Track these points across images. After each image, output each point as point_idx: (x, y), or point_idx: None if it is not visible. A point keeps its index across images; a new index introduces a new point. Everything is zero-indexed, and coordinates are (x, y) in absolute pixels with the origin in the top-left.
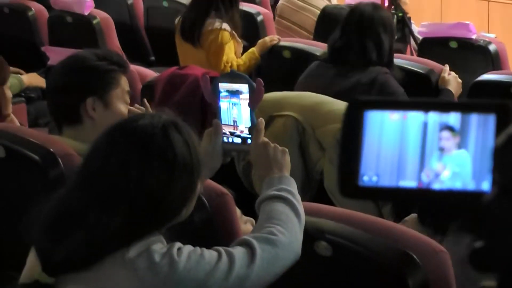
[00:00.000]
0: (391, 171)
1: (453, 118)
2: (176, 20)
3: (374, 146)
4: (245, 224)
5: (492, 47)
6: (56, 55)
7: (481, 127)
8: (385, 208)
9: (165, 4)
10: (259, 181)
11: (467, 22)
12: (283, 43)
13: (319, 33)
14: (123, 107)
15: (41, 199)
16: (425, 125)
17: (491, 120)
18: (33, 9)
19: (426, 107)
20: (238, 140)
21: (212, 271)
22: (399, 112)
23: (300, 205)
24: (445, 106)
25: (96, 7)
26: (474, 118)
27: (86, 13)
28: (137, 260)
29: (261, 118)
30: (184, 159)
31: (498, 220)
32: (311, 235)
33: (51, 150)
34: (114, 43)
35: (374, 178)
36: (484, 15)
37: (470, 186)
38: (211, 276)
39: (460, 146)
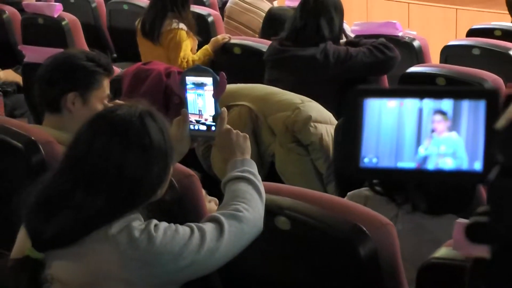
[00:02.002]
0: (389, 153)
1: (446, 104)
2: (137, 22)
3: (374, 131)
4: (209, 203)
5: (416, 43)
6: (32, 53)
7: (472, 112)
8: (330, 186)
9: (125, 7)
10: (223, 164)
11: (395, 21)
12: (234, 41)
13: (266, 32)
14: (100, 107)
15: (24, 183)
16: (420, 111)
17: (481, 105)
18: (7, 12)
19: (421, 95)
20: (203, 128)
21: (186, 244)
22: (396, 99)
23: (261, 184)
24: (439, 93)
25: (64, 10)
26: (466, 104)
27: (55, 16)
28: (119, 235)
29: (224, 107)
30: (159, 144)
31: (499, 197)
32: (271, 211)
33: (33, 138)
34: (81, 42)
35: (374, 160)
36: (404, 15)
37: (464, 166)
38: (185, 249)
39: (453, 129)
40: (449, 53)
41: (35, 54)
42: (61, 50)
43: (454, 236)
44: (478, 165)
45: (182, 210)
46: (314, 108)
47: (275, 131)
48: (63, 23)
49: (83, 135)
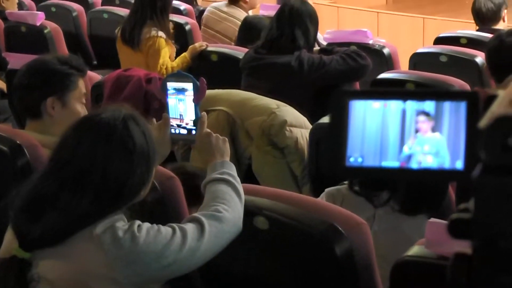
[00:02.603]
0: (374, 153)
1: (428, 105)
2: (117, 29)
3: (359, 131)
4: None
5: (386, 50)
6: (15, 60)
7: (454, 113)
8: (305, 188)
9: (105, 15)
10: (203, 165)
11: (365, 29)
12: (211, 48)
13: (242, 40)
14: (79, 107)
15: (10, 186)
16: (403, 112)
17: (462, 106)
18: None
19: (404, 96)
20: (184, 131)
21: (168, 244)
22: (381, 101)
23: (240, 185)
24: (421, 94)
25: (47, 18)
26: (447, 105)
27: (38, 24)
28: (103, 235)
29: (203, 112)
30: (142, 147)
31: (483, 193)
32: (250, 211)
33: (18, 141)
34: (62, 49)
35: (359, 159)
36: (374, 24)
37: (446, 164)
38: (167, 248)
39: (435, 129)
40: (418, 60)
41: (18, 60)
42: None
43: (426, 235)
44: (459, 164)
45: (163, 210)
46: (289, 113)
47: (252, 134)
48: (46, 31)
49: (68, 138)
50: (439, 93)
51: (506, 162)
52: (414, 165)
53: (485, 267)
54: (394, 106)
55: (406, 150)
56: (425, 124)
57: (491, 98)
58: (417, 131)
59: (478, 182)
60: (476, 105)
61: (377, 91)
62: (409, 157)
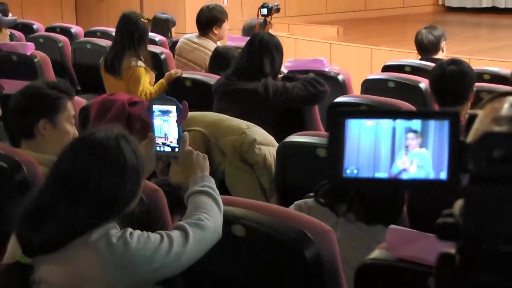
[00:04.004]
0: (368, 165)
1: (415, 123)
2: (101, 59)
3: (354, 146)
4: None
5: (340, 77)
6: (9, 86)
7: (438, 130)
8: (272, 199)
9: (88, 46)
10: (185, 179)
11: (322, 58)
12: (185, 75)
13: (213, 67)
14: (69, 127)
15: (9, 199)
16: (394, 130)
17: (445, 125)
18: None
19: (394, 116)
20: (168, 149)
21: (157, 249)
22: (373, 119)
23: (219, 197)
24: (409, 114)
25: (36, 48)
26: (432, 123)
27: (28, 53)
28: (98, 242)
29: (186, 131)
30: (132, 163)
31: (470, 201)
32: (228, 220)
33: (16, 158)
34: (50, 76)
35: (355, 171)
36: (327, 53)
37: (431, 176)
38: (156, 253)
39: (422, 145)
40: (368, 85)
41: (12, 86)
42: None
43: (387, 240)
44: (443, 175)
45: (150, 219)
46: (258, 133)
47: (225, 152)
48: (35, 60)
49: (66, 155)
50: (425, 113)
51: (491, 172)
52: (403, 176)
53: (469, 266)
54: (385, 124)
55: (399, 164)
56: (413, 141)
57: (473, 117)
58: (406, 147)
59: (467, 191)
60: (457, 123)
61: (370, 111)
62: (400, 171)
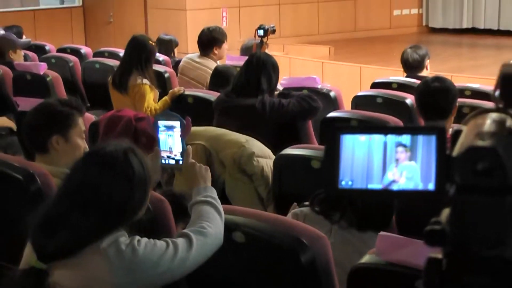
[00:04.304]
0: (361, 177)
1: (405, 138)
2: (109, 78)
3: (349, 159)
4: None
5: (332, 93)
6: (24, 103)
7: (426, 145)
8: (269, 208)
9: (97, 65)
10: (189, 190)
11: (315, 76)
12: (187, 92)
13: (213, 85)
14: (80, 141)
15: (23, 209)
16: (385, 144)
17: (433, 139)
18: (0, 70)
19: (385, 131)
20: (172, 162)
21: (163, 255)
22: (366, 135)
23: (220, 206)
24: (399, 130)
25: (48, 68)
26: (421, 138)
27: (41, 73)
28: (108, 249)
29: (189, 145)
30: (140, 175)
31: (457, 209)
32: (229, 227)
33: (31, 171)
34: (61, 93)
35: (350, 182)
36: (319, 71)
37: (420, 187)
38: (162, 259)
39: (411, 158)
40: (358, 101)
41: (27, 104)
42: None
43: (377, 245)
44: (431, 186)
45: (156, 227)
46: (256, 146)
47: (225, 164)
48: (48, 78)
49: (78, 168)
50: (414, 128)
51: (476, 183)
52: (394, 187)
53: (455, 269)
54: (377, 139)
55: (390, 176)
56: (403, 154)
57: (458, 133)
58: (397, 160)
59: (454, 200)
60: (444, 138)
61: (363, 127)
62: (391, 182)
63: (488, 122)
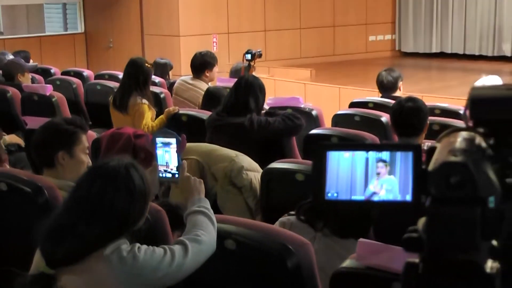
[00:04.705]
0: (346, 189)
1: (385, 154)
2: (110, 98)
3: (334, 173)
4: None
5: (314, 112)
6: (32, 121)
7: (403, 160)
8: (258, 217)
9: (98, 87)
10: (184, 201)
11: (298, 96)
12: (181, 111)
13: (205, 105)
14: (83, 157)
15: (32, 220)
16: (367, 160)
17: (410, 156)
18: (10, 91)
19: (367, 148)
20: (169, 175)
21: (161, 261)
22: (350, 151)
23: (213, 216)
24: (379, 147)
25: (54, 89)
26: (399, 155)
27: (47, 94)
28: (111, 255)
29: (184, 160)
30: (140, 188)
31: (432, 218)
32: (221, 235)
33: (39, 184)
34: (66, 112)
35: (335, 194)
36: (302, 92)
37: (398, 198)
38: (161, 264)
39: (390, 172)
40: (338, 120)
41: (35, 122)
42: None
43: (357, 251)
44: (408, 197)
45: (154, 235)
46: (245, 160)
47: (217, 177)
48: (53, 99)
49: (83, 181)
50: (392, 146)
51: (449, 195)
52: (375, 198)
53: (431, 272)
54: (359, 155)
55: (371, 188)
56: (383, 169)
57: (432, 150)
58: (377, 174)
59: (429, 210)
60: (419, 155)
61: (347, 145)
62: (371, 193)
63: (459, 140)
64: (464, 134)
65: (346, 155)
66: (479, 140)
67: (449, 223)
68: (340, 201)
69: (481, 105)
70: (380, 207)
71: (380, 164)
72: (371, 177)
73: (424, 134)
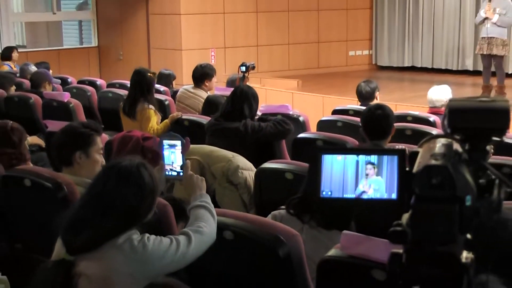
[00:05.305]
0: (338, 188)
1: (373, 158)
2: (120, 104)
3: (328, 174)
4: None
5: (301, 118)
6: (52, 125)
7: (389, 163)
8: (251, 211)
9: (110, 94)
10: (187, 196)
11: (286, 104)
12: (184, 116)
13: (205, 111)
14: (98, 157)
15: (52, 211)
16: (357, 162)
17: (395, 159)
18: (32, 98)
19: (357, 152)
20: (174, 173)
21: (168, 249)
22: (342, 155)
23: (213, 210)
24: (368, 151)
25: (71, 97)
26: (385, 158)
27: (65, 100)
28: (124, 244)
29: (187, 160)
30: (149, 185)
31: (416, 215)
32: (221, 227)
33: (58, 180)
34: (81, 117)
35: (329, 193)
36: (290, 100)
37: (385, 196)
38: (167, 252)
39: (378, 174)
40: (322, 125)
41: (55, 126)
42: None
43: (341, 241)
44: (394, 195)
45: (161, 227)
46: (241, 160)
47: (215, 175)
48: (70, 105)
49: (99, 179)
50: (380, 150)
51: (431, 194)
52: (364, 196)
53: (413, 262)
54: (351, 158)
55: (361, 188)
56: (371, 170)
57: (415, 154)
58: (367, 175)
59: (413, 207)
60: (403, 158)
61: (340, 148)
62: (362, 192)
63: (439, 145)
64: (442, 140)
65: (339, 158)
66: (456, 145)
67: (431, 218)
68: (334, 198)
69: (458, 114)
70: (368, 204)
71: (369, 166)
72: (361, 177)
73: (390, 138)
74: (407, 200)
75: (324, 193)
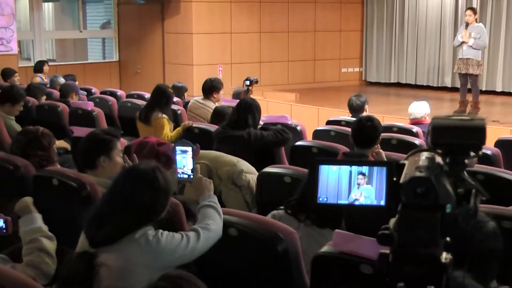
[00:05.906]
0: (333, 195)
1: (365, 169)
2: (137, 113)
3: (324, 182)
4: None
5: (299, 128)
6: (77, 131)
7: (379, 173)
8: (253, 210)
9: (128, 104)
10: (196, 197)
11: (286, 115)
12: (194, 125)
13: (213, 120)
14: (119, 159)
15: (76, 208)
16: (350, 172)
17: (384, 170)
18: (60, 106)
19: (350, 163)
20: (185, 176)
21: (179, 244)
22: (337, 165)
23: (220, 209)
24: (360, 162)
25: (94, 105)
26: (375, 169)
27: (89, 109)
28: (140, 239)
29: (197, 164)
30: (164, 186)
31: (402, 220)
32: (226, 224)
33: (83, 180)
34: (103, 124)
35: (325, 199)
36: (289, 111)
37: (374, 203)
38: (178, 247)
39: (368, 183)
40: (317, 134)
41: (80, 131)
42: (92, 129)
43: (334, 239)
44: (383, 202)
45: (172, 224)
46: (245, 165)
47: (222, 178)
48: (94, 113)
49: (119, 180)
50: (371, 162)
51: (415, 202)
52: (356, 203)
53: (399, 261)
54: (345, 169)
55: (353, 195)
56: (362, 180)
57: (401, 166)
58: (358, 184)
59: (400, 214)
60: (391, 169)
61: (335, 160)
62: (354, 199)
63: (423, 158)
64: (426, 153)
65: (334, 168)
66: (438, 158)
67: (415, 224)
68: (329, 204)
69: (440, 132)
70: (360, 210)
71: (361, 176)
72: (353, 186)
73: (375, 146)
74: (394, 206)
75: (320, 199)
